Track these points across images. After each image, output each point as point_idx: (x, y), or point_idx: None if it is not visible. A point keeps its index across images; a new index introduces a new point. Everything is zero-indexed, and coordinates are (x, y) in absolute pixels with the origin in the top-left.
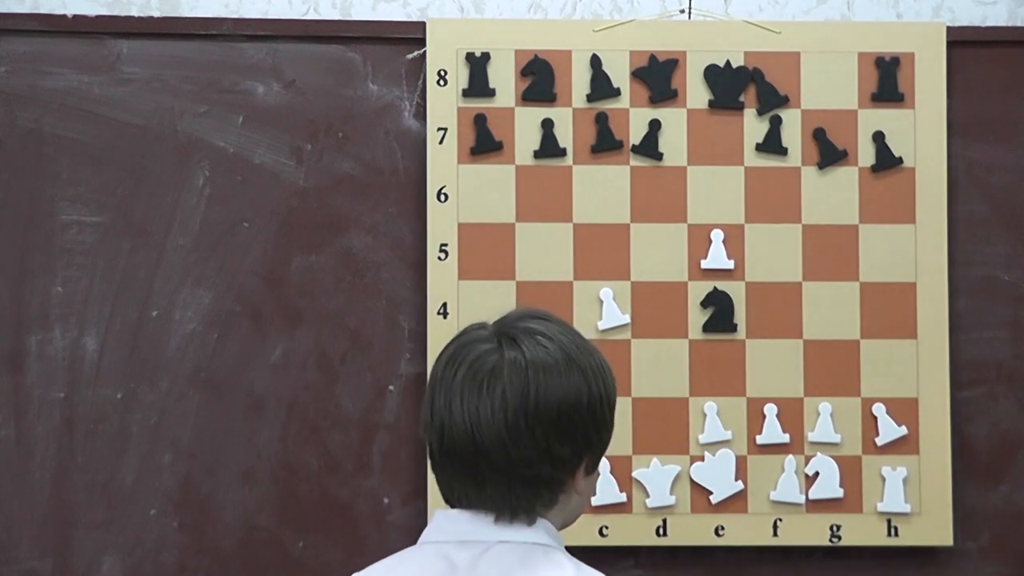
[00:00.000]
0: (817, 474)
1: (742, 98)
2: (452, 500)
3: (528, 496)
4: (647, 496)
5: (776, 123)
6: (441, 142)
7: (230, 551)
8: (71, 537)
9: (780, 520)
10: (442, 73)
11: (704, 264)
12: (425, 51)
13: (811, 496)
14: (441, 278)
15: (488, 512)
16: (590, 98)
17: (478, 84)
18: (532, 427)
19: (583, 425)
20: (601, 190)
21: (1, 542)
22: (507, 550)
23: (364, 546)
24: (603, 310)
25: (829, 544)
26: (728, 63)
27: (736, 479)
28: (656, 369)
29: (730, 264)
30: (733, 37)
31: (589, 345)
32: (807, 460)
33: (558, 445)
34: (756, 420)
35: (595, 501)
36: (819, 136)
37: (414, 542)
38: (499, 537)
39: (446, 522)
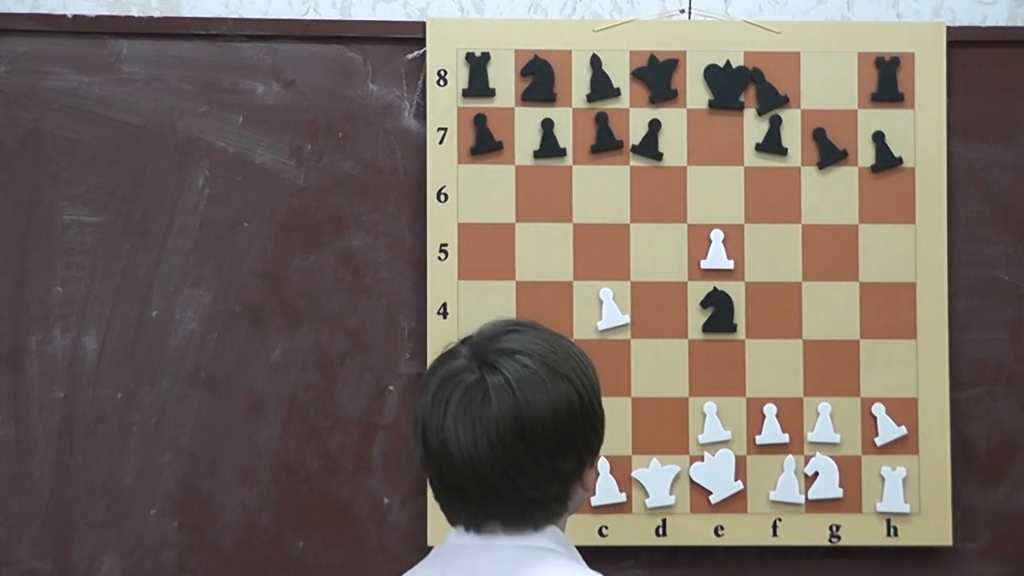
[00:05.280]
0: (816, 474)
1: (742, 98)
2: (462, 524)
3: (542, 514)
4: (647, 496)
5: (776, 123)
6: (441, 142)
7: (230, 551)
8: (71, 537)
9: (779, 520)
10: (442, 73)
11: (704, 264)
12: (425, 51)
13: (810, 496)
14: (441, 278)
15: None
16: (590, 98)
17: (478, 84)
18: (532, 448)
19: (581, 431)
20: (601, 190)
21: (1, 542)
22: (504, 552)
23: (364, 546)
24: (603, 310)
25: (828, 544)
26: (728, 63)
27: (736, 479)
28: (656, 369)
29: (730, 264)
30: (733, 37)
31: (564, 343)
32: (806, 460)
33: (561, 460)
34: (756, 420)
35: (595, 501)
36: (819, 136)
37: (414, 542)
38: (499, 543)
39: (454, 536)
